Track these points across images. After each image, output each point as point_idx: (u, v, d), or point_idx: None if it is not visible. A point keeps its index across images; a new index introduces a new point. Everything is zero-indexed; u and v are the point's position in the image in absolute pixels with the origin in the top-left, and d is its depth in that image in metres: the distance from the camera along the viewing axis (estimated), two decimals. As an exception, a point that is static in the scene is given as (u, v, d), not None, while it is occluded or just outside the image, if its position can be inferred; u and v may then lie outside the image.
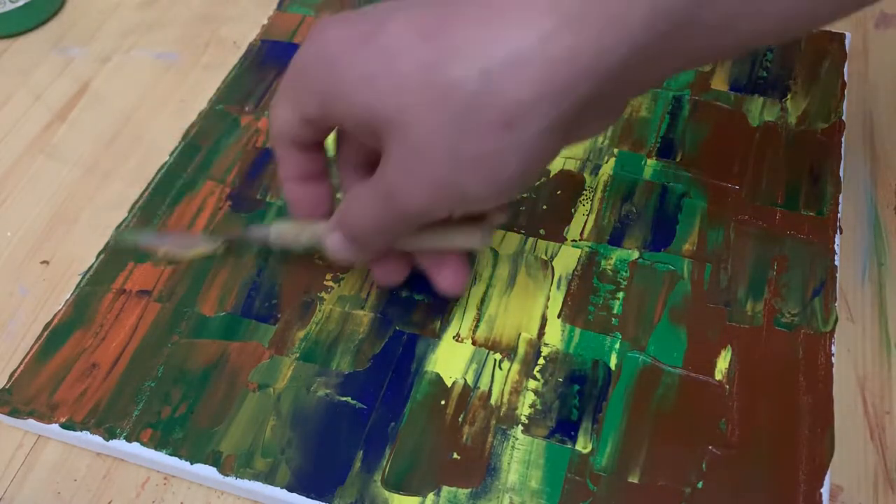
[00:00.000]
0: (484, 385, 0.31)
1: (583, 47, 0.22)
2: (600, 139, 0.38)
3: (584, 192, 0.37)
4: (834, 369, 0.31)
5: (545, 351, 0.32)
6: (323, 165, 0.30)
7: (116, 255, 0.35)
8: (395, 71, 0.23)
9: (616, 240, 0.35)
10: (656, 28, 0.22)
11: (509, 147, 0.23)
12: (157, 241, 0.35)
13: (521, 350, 0.32)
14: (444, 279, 0.30)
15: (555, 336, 0.32)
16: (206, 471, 0.29)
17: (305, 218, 0.31)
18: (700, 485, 0.28)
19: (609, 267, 0.34)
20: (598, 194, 0.36)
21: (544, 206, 0.36)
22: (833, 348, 0.31)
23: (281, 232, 0.32)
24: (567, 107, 0.22)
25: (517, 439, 0.30)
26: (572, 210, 0.36)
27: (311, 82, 0.26)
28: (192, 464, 0.29)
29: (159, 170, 0.39)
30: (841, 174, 0.37)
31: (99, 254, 0.36)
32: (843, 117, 0.39)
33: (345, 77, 0.25)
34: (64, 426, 0.30)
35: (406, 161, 0.24)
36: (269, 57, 0.44)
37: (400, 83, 0.23)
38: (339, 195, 0.31)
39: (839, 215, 0.35)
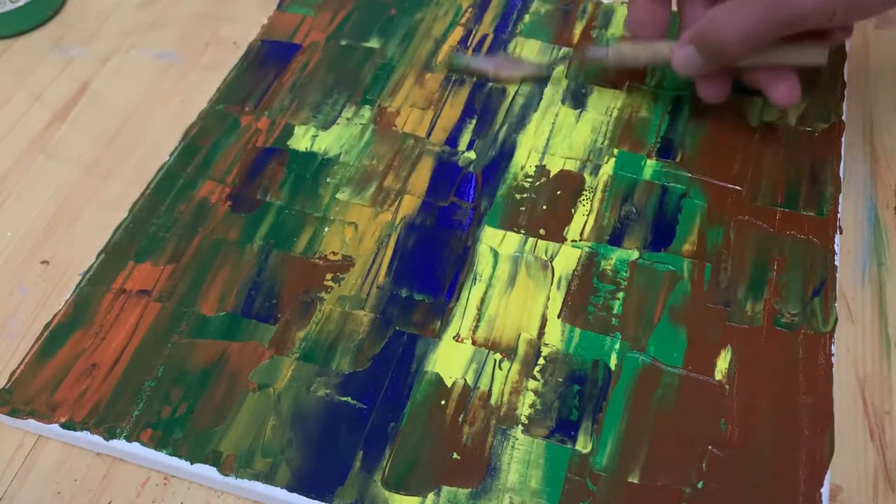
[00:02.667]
0: (484, 385, 0.31)
1: None
2: (600, 139, 0.38)
3: (584, 192, 0.37)
4: (834, 369, 0.31)
5: (545, 351, 0.32)
6: None
7: (116, 255, 0.35)
8: None
9: (616, 240, 0.35)
10: None
11: None
12: (487, 63, 0.40)
13: (521, 350, 0.32)
14: (782, 92, 0.34)
15: (555, 336, 0.32)
16: (206, 471, 0.29)
17: (644, 37, 0.36)
18: (700, 485, 0.28)
19: (609, 267, 0.34)
20: (598, 194, 0.36)
21: (544, 206, 0.36)
22: (833, 348, 0.31)
23: (621, 51, 0.36)
24: None
25: (517, 439, 0.30)
26: (572, 210, 0.36)
27: None
28: (192, 464, 0.29)
29: (159, 170, 0.39)
30: (841, 174, 0.37)
31: (99, 254, 0.36)
32: (843, 117, 0.39)
33: None
34: (64, 426, 0.30)
35: None
36: (269, 57, 0.44)
37: None
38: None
39: (839, 215, 0.35)
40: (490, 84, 0.41)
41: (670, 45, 0.35)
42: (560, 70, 0.41)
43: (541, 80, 0.41)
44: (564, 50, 0.42)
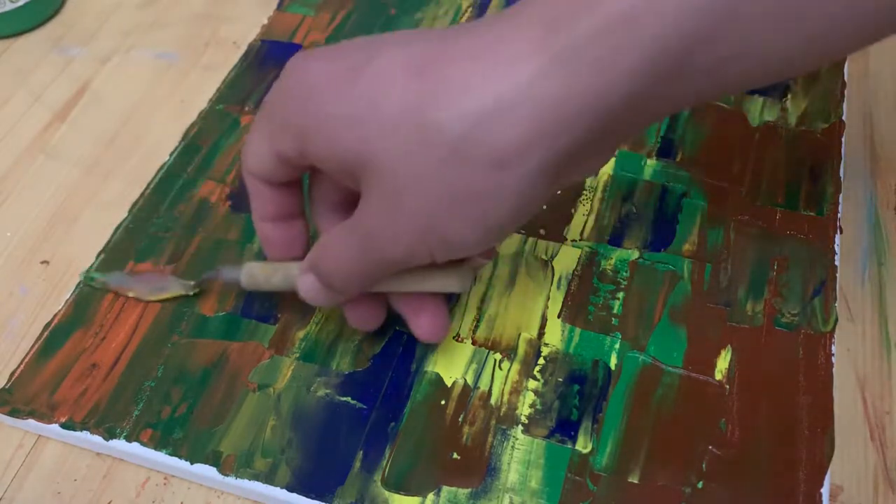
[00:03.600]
0: (484, 385, 0.31)
1: (573, 91, 0.21)
2: (600, 139, 0.38)
3: (584, 192, 0.37)
4: (834, 369, 0.31)
5: (545, 351, 0.32)
6: (298, 204, 0.29)
7: (116, 255, 0.35)
8: (380, 112, 0.23)
9: (616, 240, 0.35)
10: (648, 74, 0.21)
11: (498, 190, 0.22)
12: (126, 282, 0.34)
13: (521, 350, 0.32)
14: (422, 326, 0.29)
15: (555, 336, 0.32)
16: (206, 471, 0.29)
17: (279, 258, 0.30)
18: (700, 485, 0.28)
19: (609, 267, 0.34)
20: (598, 194, 0.36)
21: (544, 206, 0.36)
22: (833, 348, 0.31)
23: (253, 273, 0.30)
24: (557, 150, 0.22)
25: (517, 439, 0.30)
26: (572, 210, 0.36)
27: (289, 116, 0.25)
28: (192, 464, 0.29)
29: (159, 170, 0.39)
30: (841, 174, 0.37)
31: (99, 254, 0.36)
32: (843, 117, 0.39)
33: (326, 115, 0.24)
34: (64, 426, 0.30)
35: (387, 205, 0.24)
36: (269, 57, 0.44)
37: (384, 125, 0.22)
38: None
39: (839, 215, 0.35)
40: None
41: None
42: None
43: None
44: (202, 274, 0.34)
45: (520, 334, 0.32)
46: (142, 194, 0.38)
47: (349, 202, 0.27)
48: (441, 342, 0.31)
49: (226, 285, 0.33)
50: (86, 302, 0.34)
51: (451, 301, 0.33)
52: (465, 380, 0.31)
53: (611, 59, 0.21)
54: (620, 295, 0.33)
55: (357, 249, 0.26)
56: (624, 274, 0.34)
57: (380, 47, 0.24)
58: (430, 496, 0.28)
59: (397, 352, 0.32)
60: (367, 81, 0.23)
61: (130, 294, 0.34)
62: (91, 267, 0.35)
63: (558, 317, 0.33)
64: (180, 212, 0.37)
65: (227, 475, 0.29)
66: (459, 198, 0.23)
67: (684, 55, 0.21)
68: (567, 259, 0.34)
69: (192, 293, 0.34)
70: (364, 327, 0.31)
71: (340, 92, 0.23)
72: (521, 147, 0.22)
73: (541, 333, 0.32)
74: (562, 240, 0.35)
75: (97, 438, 0.30)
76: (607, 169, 0.37)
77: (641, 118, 0.24)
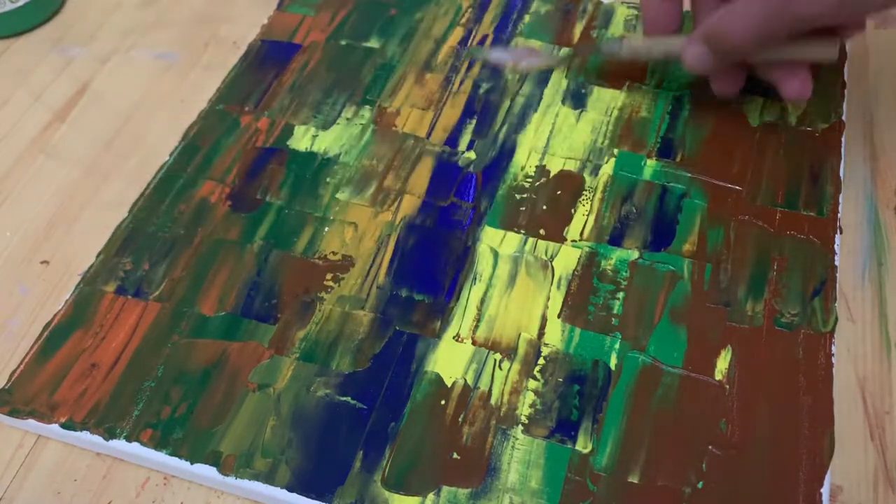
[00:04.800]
0: (484, 385, 0.31)
1: None
2: (600, 139, 0.38)
3: (585, 192, 0.37)
4: (834, 369, 0.31)
5: (545, 351, 0.32)
6: None
7: (116, 255, 0.35)
8: None
9: (616, 240, 0.35)
10: None
11: None
12: (506, 55, 0.41)
13: (521, 350, 0.32)
14: (794, 87, 0.34)
15: (555, 336, 0.32)
16: (206, 471, 0.29)
17: (657, 33, 0.36)
18: (700, 485, 0.28)
19: (609, 267, 0.34)
20: (598, 194, 0.36)
21: (544, 206, 0.36)
22: (833, 348, 0.31)
23: (634, 46, 0.37)
24: None
25: (517, 439, 0.30)
26: (572, 210, 0.36)
27: None
28: (192, 464, 0.29)
29: (159, 170, 0.39)
30: (841, 174, 0.37)
31: (99, 254, 0.36)
32: (843, 117, 0.39)
33: None
34: (64, 426, 0.30)
35: None
36: (269, 57, 0.44)
37: None
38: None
39: (839, 215, 0.35)
40: (490, 84, 0.41)
41: (682, 41, 0.36)
42: (559, 71, 0.41)
43: (545, 76, 0.41)
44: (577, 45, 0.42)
45: (520, 334, 0.32)
46: (142, 194, 0.38)
47: None
48: (807, 98, 0.36)
49: (603, 55, 0.39)
50: (86, 302, 0.34)
51: (451, 299, 0.33)
52: (465, 380, 0.31)
53: None
54: (620, 295, 0.33)
55: (771, 13, 0.30)
56: (624, 274, 0.34)
57: None
58: (430, 496, 0.28)
59: (397, 352, 0.32)
60: None
61: (510, 66, 0.41)
62: (458, 45, 0.41)
63: (558, 317, 0.33)
64: (180, 212, 0.37)
65: (227, 475, 0.29)
66: None
67: None
68: (567, 259, 0.34)
69: (560, 65, 0.41)
70: (726, 93, 0.37)
71: None
72: None
73: (541, 333, 0.32)
74: (562, 240, 0.35)
75: (97, 438, 0.30)
76: (607, 169, 0.37)
77: None
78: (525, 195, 0.37)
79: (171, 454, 0.30)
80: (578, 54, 0.40)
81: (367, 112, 0.41)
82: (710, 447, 0.29)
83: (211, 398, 0.31)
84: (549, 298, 0.33)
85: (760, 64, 0.35)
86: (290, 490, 0.29)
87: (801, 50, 0.34)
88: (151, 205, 0.37)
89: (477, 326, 0.32)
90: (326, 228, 0.36)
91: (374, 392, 0.31)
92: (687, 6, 0.38)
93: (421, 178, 0.38)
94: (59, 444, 0.31)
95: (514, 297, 0.33)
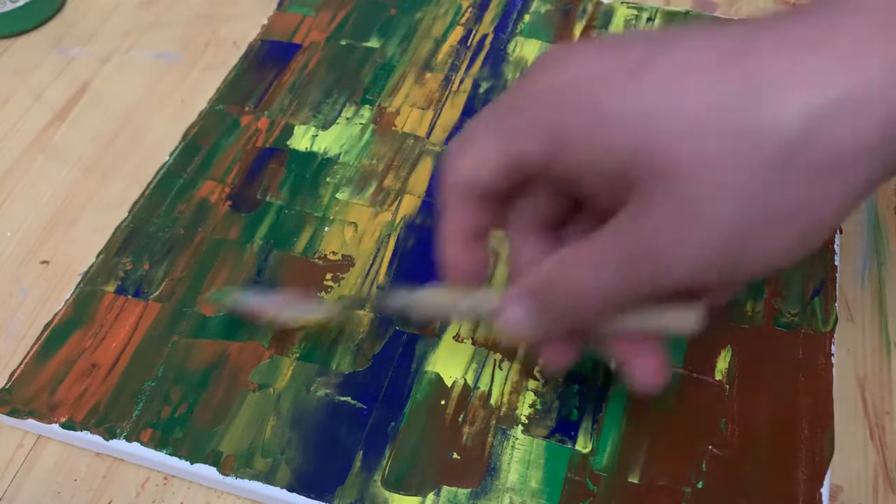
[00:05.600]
0: (484, 385, 0.31)
1: None
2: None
3: (584, 192, 0.37)
4: (834, 369, 0.31)
5: (545, 351, 0.32)
6: (494, 221, 0.25)
7: (116, 255, 0.35)
8: (679, 109, 0.19)
9: (616, 240, 0.35)
10: None
11: (830, 196, 0.19)
12: (262, 303, 0.29)
13: (521, 350, 0.32)
14: (646, 372, 0.25)
15: (555, 336, 0.32)
16: (206, 471, 0.29)
17: (460, 285, 0.26)
18: (700, 485, 0.28)
19: (609, 267, 0.34)
20: (598, 194, 0.36)
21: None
22: (833, 348, 0.31)
23: (430, 301, 0.26)
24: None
25: (517, 439, 0.30)
26: (572, 210, 0.36)
27: (545, 115, 0.22)
28: (192, 464, 0.29)
29: (159, 170, 0.39)
30: (841, 174, 0.36)
31: (99, 254, 0.36)
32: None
33: (599, 111, 0.20)
34: (64, 426, 0.30)
35: (679, 218, 0.20)
36: (269, 57, 0.44)
37: (684, 124, 0.19)
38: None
39: (839, 215, 0.35)
40: (490, 84, 0.41)
41: (495, 298, 0.25)
42: None
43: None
44: (344, 297, 0.32)
45: (520, 334, 0.32)
46: (142, 194, 0.38)
47: (555, 221, 0.25)
48: (658, 388, 0.26)
49: (382, 312, 0.28)
50: (86, 302, 0.34)
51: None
52: (465, 380, 0.31)
53: None
54: (620, 295, 0.33)
55: (622, 270, 0.21)
56: (624, 274, 0.34)
57: (670, 40, 0.20)
58: (430, 496, 0.28)
59: (397, 352, 0.32)
60: (659, 75, 0.20)
61: (268, 317, 0.29)
62: (209, 289, 0.31)
63: (558, 317, 0.33)
64: (180, 212, 0.37)
65: (227, 475, 0.29)
66: (780, 210, 0.19)
67: None
68: (567, 259, 0.34)
69: (337, 320, 0.29)
70: (556, 368, 0.27)
71: (621, 88, 0.20)
72: (870, 151, 0.19)
73: (541, 333, 0.32)
74: (562, 240, 0.35)
75: (97, 438, 0.30)
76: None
77: None
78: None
79: (171, 454, 0.30)
80: (349, 308, 0.29)
81: (366, 112, 0.41)
82: (710, 447, 0.29)
83: (211, 398, 0.31)
84: (549, 298, 0.33)
85: (606, 334, 0.26)
86: (290, 490, 0.29)
87: (655, 318, 0.24)
88: (151, 205, 0.37)
89: (477, 326, 0.32)
90: (326, 228, 0.36)
91: (374, 392, 0.31)
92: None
93: (421, 177, 0.38)
94: (59, 444, 0.31)
95: (514, 297, 0.33)
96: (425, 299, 0.26)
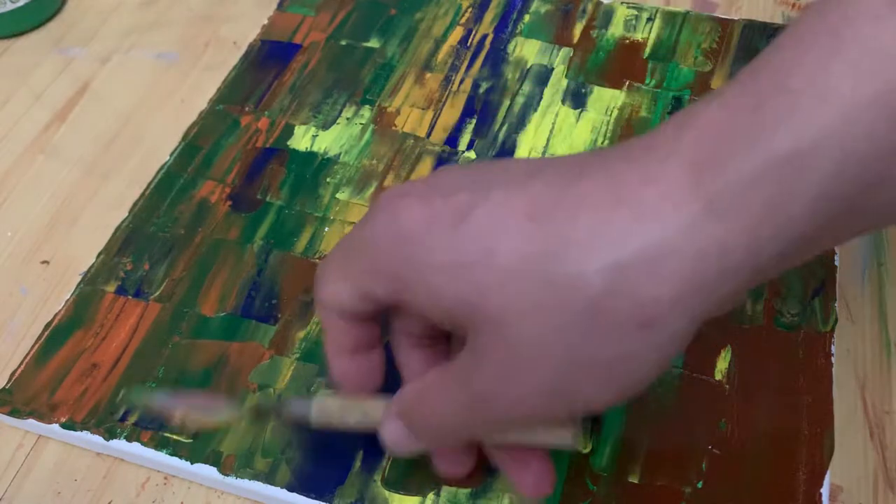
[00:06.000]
0: (484, 385, 0.31)
1: (735, 241, 0.18)
2: (600, 139, 0.38)
3: (584, 192, 0.37)
4: (834, 369, 0.31)
5: (545, 351, 0.32)
6: (378, 335, 0.26)
7: (117, 255, 0.35)
8: (495, 262, 0.20)
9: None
10: (823, 212, 0.18)
11: (642, 350, 0.20)
12: (172, 403, 0.30)
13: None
14: (527, 483, 0.26)
15: (555, 336, 0.32)
16: (206, 471, 0.29)
17: (355, 392, 0.27)
18: (700, 485, 0.28)
19: (609, 267, 0.34)
20: (598, 194, 0.36)
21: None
22: (833, 348, 0.31)
23: (325, 410, 0.27)
24: (711, 302, 0.19)
25: (517, 439, 0.30)
26: (572, 210, 0.36)
27: (382, 261, 0.22)
28: (192, 464, 0.29)
29: (159, 170, 0.39)
30: (841, 174, 0.36)
31: (99, 254, 0.36)
32: (843, 117, 0.39)
33: (427, 264, 0.21)
34: (64, 426, 0.30)
35: (506, 364, 0.21)
36: (269, 57, 0.44)
37: (501, 277, 0.20)
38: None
39: (839, 215, 0.35)
40: (490, 84, 0.41)
41: (382, 409, 0.26)
42: (559, 70, 0.41)
43: (545, 76, 0.39)
44: (253, 397, 0.31)
45: (520, 334, 0.32)
46: (142, 194, 0.38)
47: (436, 336, 0.26)
48: (545, 496, 0.26)
49: (287, 419, 0.28)
50: (86, 302, 0.34)
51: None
52: (465, 380, 0.31)
53: (780, 201, 0.18)
54: (620, 295, 0.33)
55: (463, 406, 0.22)
56: (624, 274, 0.34)
57: (488, 187, 0.21)
58: (430, 496, 0.28)
59: (397, 352, 0.32)
60: (476, 227, 0.20)
61: (177, 417, 0.30)
62: (132, 389, 0.31)
63: (558, 317, 0.33)
64: (180, 212, 0.37)
65: (227, 475, 0.29)
66: (597, 358, 0.20)
67: (867, 189, 0.18)
68: (567, 259, 0.34)
69: (244, 421, 0.30)
70: (452, 475, 0.28)
71: (443, 238, 0.21)
72: (673, 304, 0.19)
73: (541, 333, 0.32)
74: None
75: (97, 438, 0.30)
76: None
77: (805, 256, 0.20)
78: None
79: (172, 454, 0.30)
80: (260, 413, 0.28)
81: (367, 112, 0.41)
82: (710, 447, 0.29)
83: (211, 398, 0.31)
84: (549, 298, 0.33)
85: (490, 447, 0.27)
86: (291, 490, 0.29)
87: (530, 435, 0.25)
88: (151, 205, 0.37)
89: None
90: (327, 228, 0.36)
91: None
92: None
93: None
94: (60, 444, 0.31)
95: (514, 297, 0.33)
96: (322, 408, 0.27)
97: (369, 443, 0.29)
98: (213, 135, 0.40)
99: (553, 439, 0.25)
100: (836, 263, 0.34)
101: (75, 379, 0.32)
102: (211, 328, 0.33)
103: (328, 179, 0.38)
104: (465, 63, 0.42)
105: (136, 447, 0.30)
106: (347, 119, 0.40)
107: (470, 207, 0.21)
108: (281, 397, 0.30)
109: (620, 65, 0.41)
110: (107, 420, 0.30)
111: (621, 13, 0.44)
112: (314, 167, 0.38)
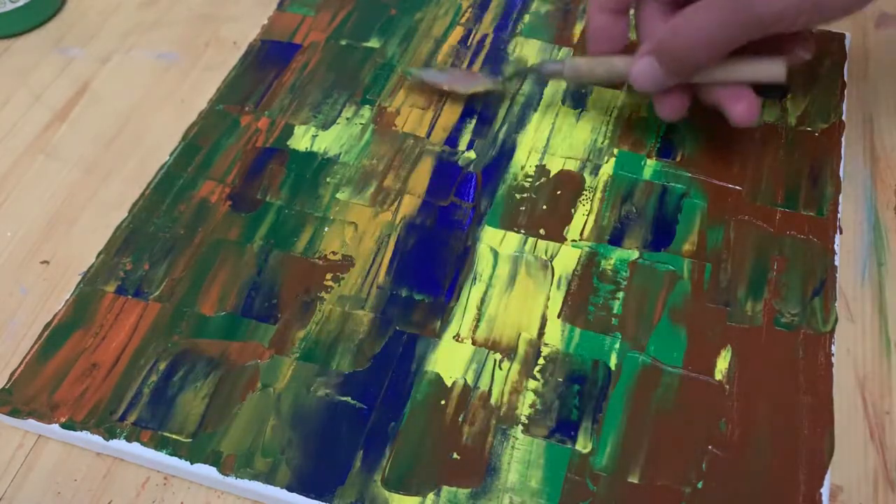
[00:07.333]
0: (484, 385, 0.31)
1: None
2: (600, 139, 0.38)
3: (585, 192, 0.37)
4: (834, 369, 0.31)
5: (545, 351, 0.32)
6: (629, 5, 0.34)
7: (116, 255, 0.35)
8: None
9: (616, 240, 0.35)
10: None
11: None
12: (441, 77, 0.39)
13: (521, 350, 0.32)
14: (741, 111, 0.32)
15: (555, 336, 0.32)
16: (206, 471, 0.29)
17: (601, 52, 0.35)
18: (700, 485, 0.28)
19: (609, 267, 0.34)
20: (598, 194, 0.36)
21: (544, 206, 0.36)
22: (833, 348, 0.31)
23: (577, 66, 0.35)
24: None
25: (517, 439, 0.30)
26: (572, 210, 0.36)
27: None
28: (192, 464, 0.29)
29: (159, 170, 0.39)
30: (841, 174, 0.37)
31: (99, 254, 0.36)
32: (843, 117, 0.39)
33: None
34: (64, 426, 0.30)
35: None
36: (269, 57, 0.44)
37: None
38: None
39: (839, 215, 0.35)
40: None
41: (627, 61, 0.34)
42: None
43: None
44: (510, 66, 0.40)
45: (520, 334, 0.32)
46: (142, 194, 0.38)
47: (676, 4, 0.32)
48: (754, 123, 0.33)
49: (541, 77, 0.38)
50: (86, 302, 0.34)
51: (451, 299, 0.33)
52: (465, 380, 0.31)
53: None
54: (620, 295, 0.33)
55: (720, 20, 0.29)
56: (624, 274, 0.34)
57: None
58: (430, 496, 0.28)
59: (397, 352, 0.32)
60: None
61: (444, 87, 0.39)
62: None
63: (558, 317, 0.33)
64: (180, 212, 0.37)
65: (227, 475, 0.29)
66: None
67: None
68: (567, 259, 0.34)
69: (501, 88, 0.39)
70: (671, 117, 0.35)
71: None
72: None
73: (541, 333, 0.32)
74: (562, 240, 0.35)
75: (97, 438, 0.30)
76: (607, 169, 0.37)
77: None
78: (525, 195, 0.37)
79: (171, 454, 0.30)
80: (518, 76, 0.38)
81: (367, 112, 0.41)
82: (710, 447, 0.29)
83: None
84: (548, 298, 0.33)
85: (706, 85, 0.34)
86: (290, 490, 0.29)
87: (748, 70, 0.32)
88: (151, 205, 0.37)
89: (477, 326, 0.32)
90: (326, 228, 0.36)
91: (374, 392, 0.31)
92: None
93: (421, 177, 0.38)
94: (60, 444, 0.31)
95: (514, 297, 0.33)
96: (577, 63, 0.35)
97: (369, 443, 0.29)
98: (213, 135, 0.40)
99: (767, 72, 0.32)
100: (836, 263, 0.34)
101: (75, 379, 0.32)
102: (211, 328, 0.33)
103: (328, 179, 0.38)
104: (466, 63, 0.42)
105: (135, 447, 0.30)
106: (347, 119, 0.40)
107: None
108: (534, 65, 0.38)
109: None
110: (107, 420, 0.30)
111: (621, 13, 0.44)
112: (314, 167, 0.38)
